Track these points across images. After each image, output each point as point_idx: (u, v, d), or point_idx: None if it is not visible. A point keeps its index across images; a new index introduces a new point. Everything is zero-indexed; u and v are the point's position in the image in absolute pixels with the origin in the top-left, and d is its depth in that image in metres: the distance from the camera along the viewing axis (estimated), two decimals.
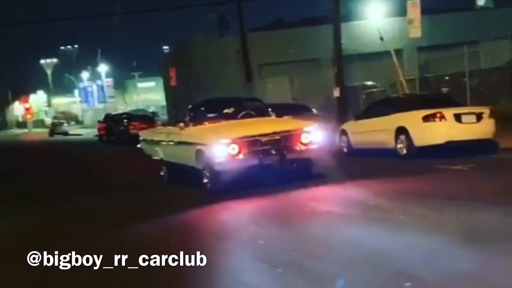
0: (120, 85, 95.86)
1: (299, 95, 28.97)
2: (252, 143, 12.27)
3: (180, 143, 13.79)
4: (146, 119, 39.60)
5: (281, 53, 36.48)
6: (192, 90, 40.15)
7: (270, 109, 14.53)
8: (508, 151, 15.16)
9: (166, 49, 58.22)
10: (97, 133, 44.52)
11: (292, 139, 12.57)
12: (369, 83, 29.26)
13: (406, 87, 20.41)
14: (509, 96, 19.94)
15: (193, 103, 15.32)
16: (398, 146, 15.88)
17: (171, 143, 14.39)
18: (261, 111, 14.24)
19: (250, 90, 33.34)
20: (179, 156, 14.02)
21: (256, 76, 36.46)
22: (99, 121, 45.06)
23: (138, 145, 17.16)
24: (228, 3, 38.14)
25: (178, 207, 11.35)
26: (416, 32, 20.14)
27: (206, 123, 13.63)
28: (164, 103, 67.81)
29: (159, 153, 15.37)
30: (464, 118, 15.35)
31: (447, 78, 24.19)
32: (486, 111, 15.62)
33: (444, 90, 20.42)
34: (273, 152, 12.32)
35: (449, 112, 15.34)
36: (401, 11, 39.67)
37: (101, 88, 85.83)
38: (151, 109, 70.79)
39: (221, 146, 12.10)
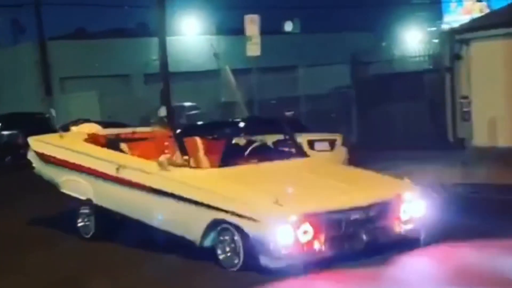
0: None
1: (111, 113, 27.28)
2: (335, 223, 7.73)
3: (165, 194, 8.48)
4: None
5: (86, 66, 34.42)
6: None
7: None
8: None
9: None
10: None
11: (388, 214, 8.13)
12: (188, 104, 28.28)
13: (245, 109, 19.67)
14: (349, 123, 19.94)
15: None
16: None
17: (133, 186, 8.94)
18: (288, 147, 9.75)
19: (50, 106, 30.86)
20: (147, 213, 8.80)
21: (58, 90, 33.97)
22: None
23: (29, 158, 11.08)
24: (24, 7, 35.33)
25: None
26: (255, 49, 19.41)
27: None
28: None
29: (84, 190, 9.75)
30: (317, 145, 14.76)
31: (273, 102, 23.92)
32: (338, 138, 15.22)
33: (289, 114, 20.00)
34: (364, 237, 7.85)
35: (302, 139, 14.66)
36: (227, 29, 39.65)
37: None
38: None
39: (285, 227, 7.34)
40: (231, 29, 37.61)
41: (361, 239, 7.80)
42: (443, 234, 8.34)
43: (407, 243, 8.10)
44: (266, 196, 7.62)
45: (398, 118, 19.00)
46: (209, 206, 7.90)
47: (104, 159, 9.54)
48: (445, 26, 30.71)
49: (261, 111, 20.44)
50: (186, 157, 8.67)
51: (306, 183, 8.44)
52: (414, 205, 8.25)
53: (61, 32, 43.30)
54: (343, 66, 25.52)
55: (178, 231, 8.38)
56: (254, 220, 7.47)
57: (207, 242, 8.07)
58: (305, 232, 7.37)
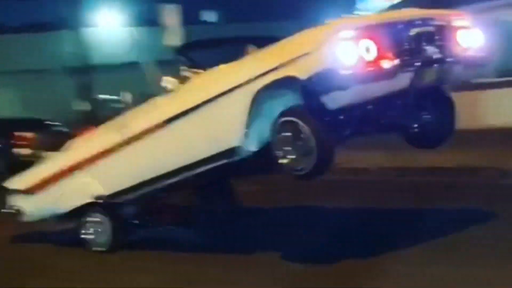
0: None
1: (33, 110, 26.82)
2: (396, 37, 6.64)
3: (188, 112, 7.19)
4: None
5: (3, 62, 33.60)
6: None
7: None
8: None
9: None
10: None
11: (448, 36, 7.05)
12: (112, 97, 27.83)
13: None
14: None
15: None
16: None
17: (145, 135, 7.71)
18: None
19: None
20: (170, 156, 7.56)
21: None
22: None
23: (9, 208, 9.33)
24: None
25: None
26: (174, 40, 19.38)
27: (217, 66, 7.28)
28: None
29: (90, 189, 8.38)
30: None
31: None
32: None
33: None
34: (437, 55, 6.83)
35: None
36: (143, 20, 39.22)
37: None
38: None
39: (344, 45, 6.24)
40: (152, 20, 37.19)
41: (429, 55, 6.75)
42: None
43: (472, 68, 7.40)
44: (308, 31, 6.66)
45: None
46: (247, 82, 6.62)
47: (100, 136, 8.56)
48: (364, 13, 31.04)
49: None
50: (197, 70, 7.41)
51: None
52: (470, 32, 7.27)
53: None
54: None
55: (213, 149, 7.09)
56: (307, 53, 6.31)
57: (253, 142, 6.82)
58: (367, 50, 6.30)
